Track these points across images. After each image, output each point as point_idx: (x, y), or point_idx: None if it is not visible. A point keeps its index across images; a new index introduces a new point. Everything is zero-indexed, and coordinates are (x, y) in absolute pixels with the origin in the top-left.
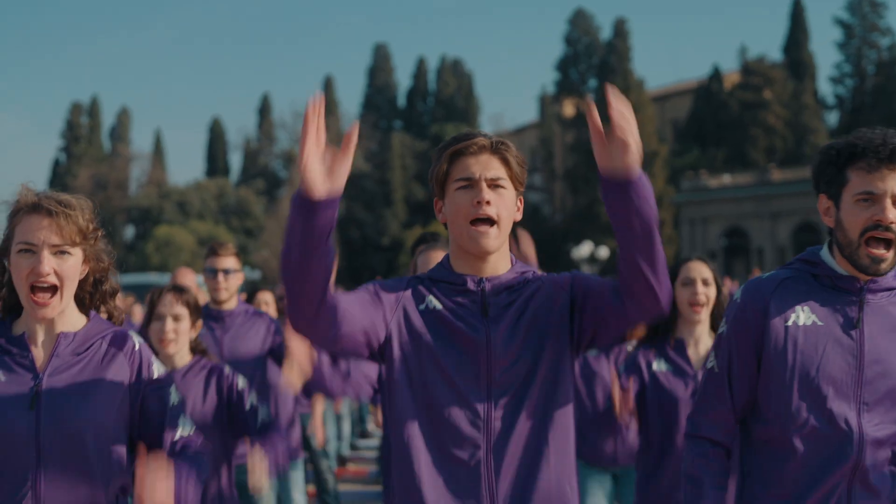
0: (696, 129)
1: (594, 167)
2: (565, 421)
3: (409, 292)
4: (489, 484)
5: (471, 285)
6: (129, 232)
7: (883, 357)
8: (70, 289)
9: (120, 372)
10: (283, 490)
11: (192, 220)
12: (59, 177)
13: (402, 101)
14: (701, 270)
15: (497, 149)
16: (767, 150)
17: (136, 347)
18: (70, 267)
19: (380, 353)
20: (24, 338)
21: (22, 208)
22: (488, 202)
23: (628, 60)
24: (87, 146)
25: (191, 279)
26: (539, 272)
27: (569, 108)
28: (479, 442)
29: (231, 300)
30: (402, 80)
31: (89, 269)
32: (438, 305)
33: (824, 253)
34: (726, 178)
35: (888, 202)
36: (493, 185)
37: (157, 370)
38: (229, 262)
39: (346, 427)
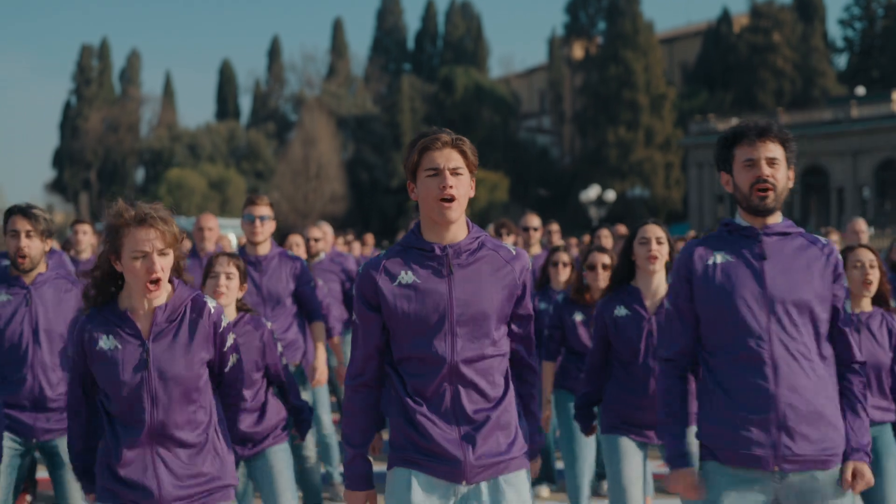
0: (704, 71)
1: (603, 110)
2: (504, 348)
3: (381, 278)
4: (457, 394)
5: (437, 251)
6: (140, 174)
7: (780, 279)
8: (167, 276)
9: (202, 329)
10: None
11: (202, 162)
12: (70, 119)
13: (410, 43)
14: (655, 231)
15: (456, 144)
16: (776, 92)
17: (212, 309)
18: (169, 262)
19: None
20: (127, 314)
21: (130, 223)
22: (451, 186)
23: (637, 2)
24: (97, 89)
25: (213, 223)
26: (493, 238)
27: (578, 51)
28: (445, 364)
29: (265, 244)
30: (411, 22)
31: (176, 256)
32: (409, 279)
33: (736, 217)
34: (734, 122)
35: (763, 164)
36: (454, 172)
37: (225, 321)
38: (265, 210)
39: None
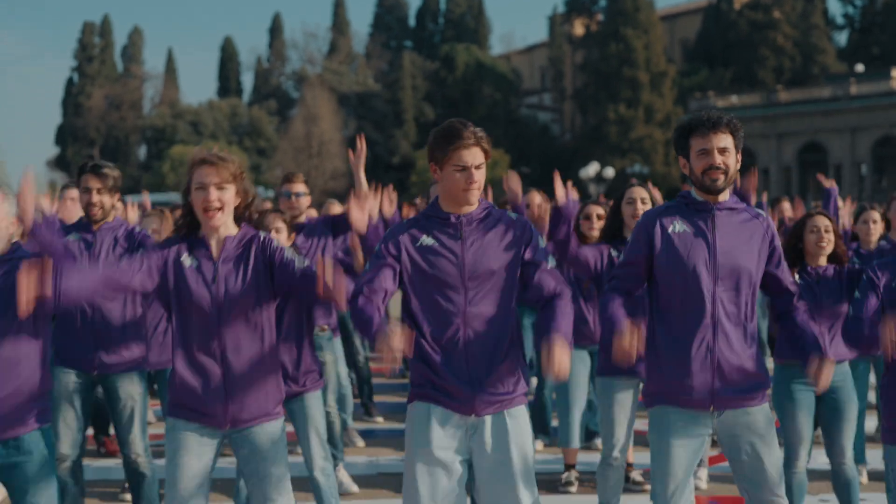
0: (704, 48)
1: (603, 87)
2: (511, 304)
3: (406, 238)
4: (469, 344)
5: (452, 219)
6: (143, 151)
7: (727, 249)
8: (228, 210)
9: (258, 252)
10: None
11: (205, 139)
12: (73, 97)
13: (412, 20)
14: (640, 192)
15: (479, 143)
16: (776, 69)
17: (262, 238)
18: (228, 195)
19: (401, 280)
20: (205, 239)
21: (196, 162)
22: (476, 181)
23: None
24: (99, 66)
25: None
26: (497, 208)
27: (579, 28)
28: (452, 330)
29: (301, 217)
30: None
31: (240, 198)
32: (429, 242)
33: (692, 192)
34: (734, 99)
35: (715, 153)
36: (478, 168)
37: (278, 243)
38: (300, 186)
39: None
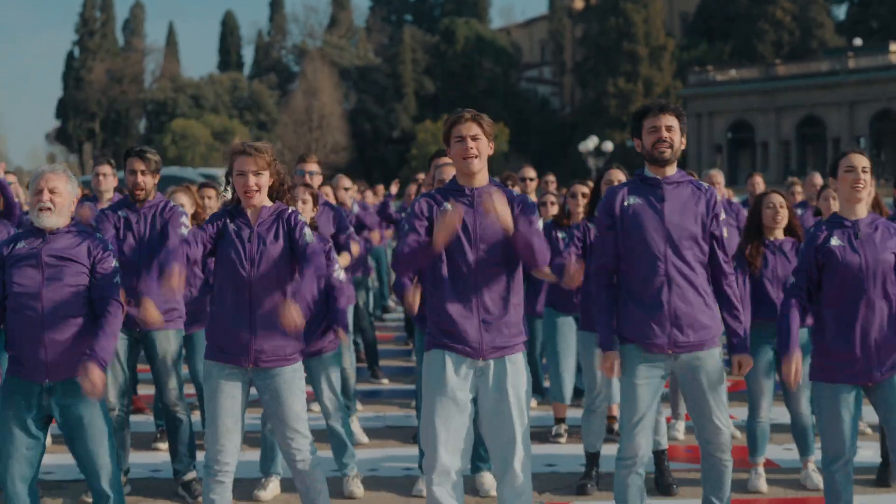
0: (704, 22)
1: (603, 61)
2: (516, 260)
3: (433, 202)
4: (479, 296)
5: (466, 192)
6: (144, 125)
7: (675, 216)
8: (263, 191)
9: (284, 224)
10: None
11: (206, 113)
12: (74, 70)
13: None
14: (618, 175)
15: (475, 119)
16: (775, 43)
17: (290, 211)
18: (263, 179)
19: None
20: (244, 211)
21: (236, 152)
22: (471, 148)
23: None
24: (100, 40)
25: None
26: (503, 185)
27: (578, 1)
28: (471, 274)
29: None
30: None
31: (273, 181)
32: (449, 207)
33: (645, 170)
34: (732, 73)
35: (663, 129)
36: (474, 138)
37: (302, 217)
38: (314, 166)
39: (370, 302)
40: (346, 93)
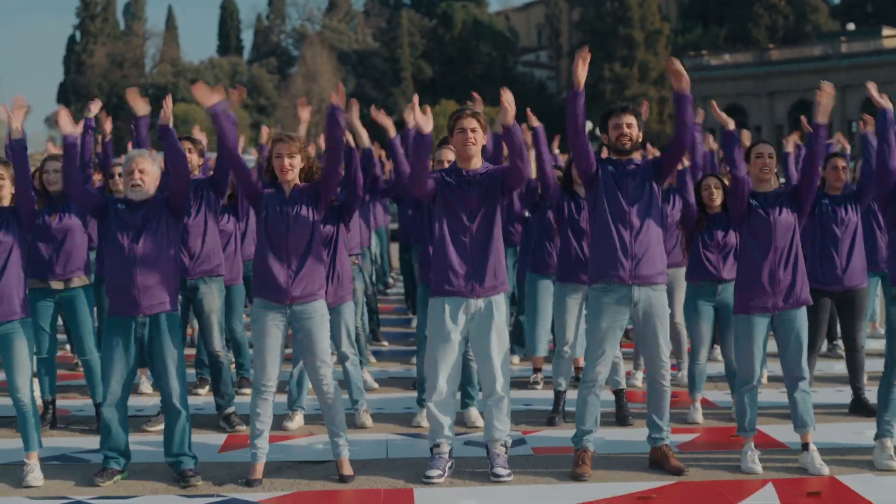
0: (699, 6)
1: (599, 45)
2: (500, 225)
3: (439, 177)
4: (471, 252)
5: (465, 174)
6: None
7: (636, 195)
8: (295, 171)
9: (312, 192)
10: None
11: None
12: (76, 54)
13: None
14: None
15: (475, 115)
16: (769, 28)
17: (314, 184)
18: (296, 161)
19: (433, 198)
20: (280, 185)
21: (275, 139)
22: (470, 138)
23: None
24: (102, 24)
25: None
26: (490, 166)
27: None
28: (467, 236)
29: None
30: None
31: (303, 162)
32: (453, 182)
33: (611, 156)
34: (726, 57)
35: (624, 126)
36: (473, 130)
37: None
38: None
39: (373, 275)
40: (345, 77)
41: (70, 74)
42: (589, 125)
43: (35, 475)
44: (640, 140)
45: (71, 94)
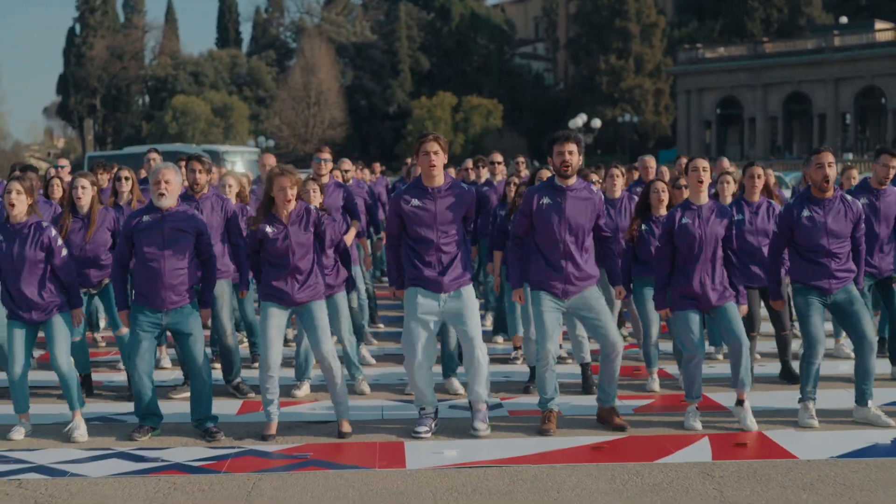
0: (695, 0)
1: (595, 38)
2: (461, 230)
3: (403, 201)
4: (437, 253)
5: (429, 190)
6: (144, 101)
7: (572, 213)
8: (293, 201)
9: (307, 217)
10: None
11: (206, 89)
12: (76, 47)
13: None
14: (546, 173)
15: (437, 139)
16: (764, 21)
17: (310, 209)
18: (295, 192)
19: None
20: (277, 215)
21: (275, 174)
22: (433, 162)
23: None
24: (101, 17)
25: (272, 160)
26: (457, 181)
27: None
28: (432, 249)
29: (325, 177)
30: None
31: (298, 191)
32: (416, 203)
33: (555, 179)
34: (721, 50)
35: (566, 154)
36: (435, 153)
37: (316, 209)
38: (327, 155)
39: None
40: (343, 69)
41: (70, 66)
42: (582, 118)
43: (80, 431)
44: (580, 164)
45: (71, 86)
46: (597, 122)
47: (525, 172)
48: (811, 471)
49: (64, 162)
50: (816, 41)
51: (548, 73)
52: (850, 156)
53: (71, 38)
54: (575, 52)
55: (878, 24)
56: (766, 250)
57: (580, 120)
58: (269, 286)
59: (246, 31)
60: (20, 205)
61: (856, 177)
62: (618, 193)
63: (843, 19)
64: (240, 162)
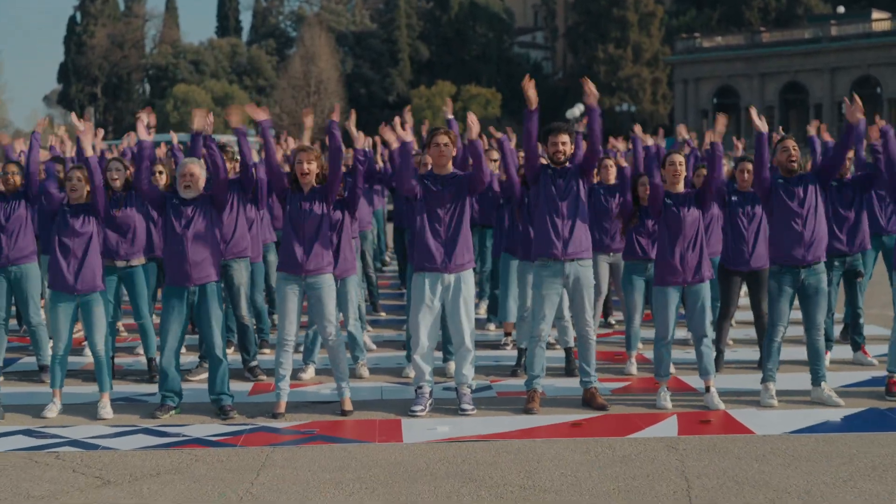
0: None
1: (593, 27)
2: (468, 217)
3: (421, 181)
4: (445, 238)
5: (439, 178)
6: (145, 90)
7: (566, 191)
8: (312, 174)
9: (325, 191)
10: None
11: (206, 78)
12: (76, 35)
13: None
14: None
15: (447, 133)
16: (762, 10)
17: (326, 185)
18: (312, 167)
19: (415, 196)
20: (301, 187)
21: (297, 150)
22: (444, 154)
23: None
24: (102, 5)
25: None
26: (459, 172)
27: None
28: (441, 225)
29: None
30: None
31: (318, 169)
32: (430, 184)
33: (549, 164)
34: (719, 40)
35: (559, 144)
36: (445, 145)
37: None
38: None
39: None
40: (343, 58)
41: (70, 55)
42: (579, 108)
43: (107, 410)
44: (572, 152)
45: (72, 75)
46: None
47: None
48: (765, 444)
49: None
50: (813, 31)
51: (546, 61)
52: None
53: (72, 26)
54: (573, 41)
55: (875, 14)
56: (754, 237)
57: (577, 110)
58: (283, 254)
59: (246, 19)
60: (81, 189)
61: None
62: (612, 179)
63: (841, 9)
64: None
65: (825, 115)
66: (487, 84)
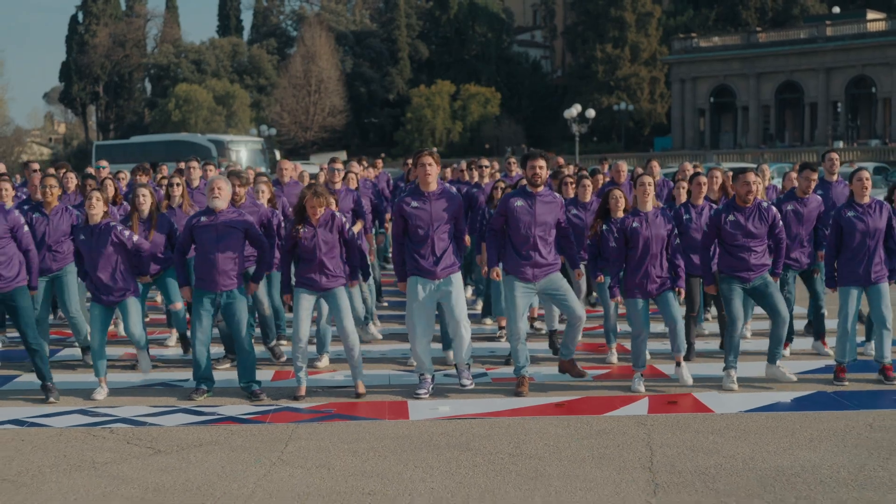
0: None
1: (591, 26)
2: (450, 227)
3: (405, 203)
4: (432, 248)
5: (425, 195)
6: (146, 89)
7: (541, 215)
8: (320, 210)
9: (332, 222)
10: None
11: (207, 77)
12: (78, 34)
13: None
14: (539, 161)
15: (431, 154)
16: (759, 10)
17: (335, 215)
18: (324, 203)
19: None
20: (310, 219)
21: (308, 195)
22: (429, 174)
23: None
24: (104, 5)
25: (289, 166)
26: (448, 186)
27: None
28: (427, 243)
29: (338, 183)
30: None
31: (327, 202)
32: (416, 205)
33: (526, 186)
34: (715, 40)
35: (537, 168)
36: (430, 165)
37: (341, 218)
38: (339, 165)
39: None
40: (343, 57)
41: (72, 53)
42: (577, 108)
43: (146, 364)
44: (547, 176)
45: (74, 73)
46: (591, 113)
47: (516, 171)
48: (722, 421)
49: (104, 163)
50: (809, 31)
51: (545, 60)
52: (841, 144)
53: (73, 25)
54: (572, 40)
55: (870, 14)
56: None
57: (574, 110)
58: (301, 276)
59: (247, 19)
60: (98, 209)
61: (836, 160)
62: (588, 198)
63: (836, 9)
64: (244, 151)
65: (820, 114)
66: (487, 83)
